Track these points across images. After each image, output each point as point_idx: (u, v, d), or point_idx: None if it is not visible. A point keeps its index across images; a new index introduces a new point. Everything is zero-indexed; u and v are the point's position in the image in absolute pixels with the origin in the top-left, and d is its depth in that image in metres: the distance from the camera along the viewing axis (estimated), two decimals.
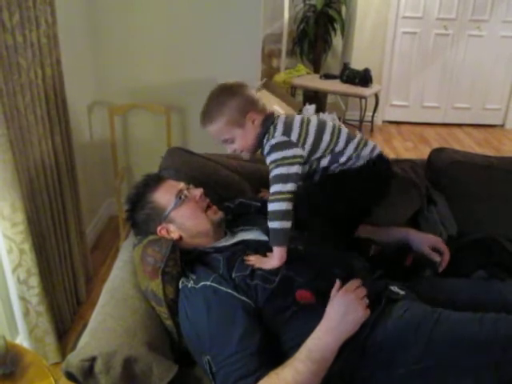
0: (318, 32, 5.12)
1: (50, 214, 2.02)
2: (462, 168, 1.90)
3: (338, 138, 1.41)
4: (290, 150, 1.35)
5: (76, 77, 2.46)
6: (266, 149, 1.38)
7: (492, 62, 5.15)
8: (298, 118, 1.42)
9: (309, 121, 1.42)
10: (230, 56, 2.84)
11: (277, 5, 4.91)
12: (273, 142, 1.37)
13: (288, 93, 4.80)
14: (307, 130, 1.39)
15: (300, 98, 5.09)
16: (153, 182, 1.46)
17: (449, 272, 1.57)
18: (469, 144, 4.89)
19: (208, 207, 1.45)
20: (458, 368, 1.11)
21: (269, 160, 1.38)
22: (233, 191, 1.76)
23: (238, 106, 1.37)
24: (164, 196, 1.42)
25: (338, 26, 5.18)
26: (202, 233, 1.41)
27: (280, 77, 4.75)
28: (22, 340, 1.92)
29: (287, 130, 1.38)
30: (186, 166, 1.78)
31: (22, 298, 1.84)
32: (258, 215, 1.58)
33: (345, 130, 1.45)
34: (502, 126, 5.42)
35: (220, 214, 1.45)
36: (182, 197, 1.41)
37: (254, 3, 2.74)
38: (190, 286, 1.27)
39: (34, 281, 1.82)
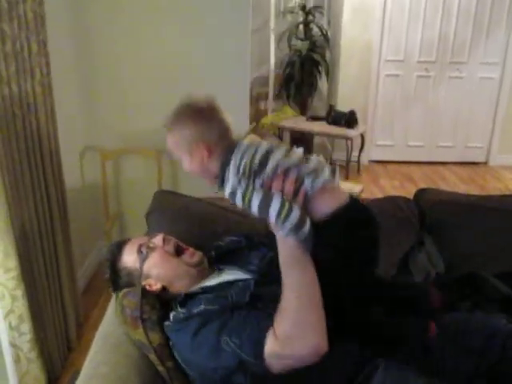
0: (303, 75, 5.26)
1: (41, 258, 2.03)
2: (446, 208, 1.94)
3: None
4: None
5: (68, 123, 2.52)
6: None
7: (472, 101, 5.32)
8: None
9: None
10: (219, 99, 2.87)
11: (263, 49, 5.07)
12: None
13: (275, 134, 4.91)
14: None
15: (287, 139, 5.18)
16: (115, 249, 1.47)
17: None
18: (454, 181, 5.00)
19: (182, 251, 1.43)
20: None
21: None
22: (221, 227, 1.76)
23: (189, 136, 1.24)
24: (130, 257, 1.42)
25: (322, 70, 5.34)
26: (181, 275, 1.39)
27: (267, 119, 4.87)
28: None
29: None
30: (172, 207, 1.85)
31: (13, 345, 1.82)
32: (248, 252, 1.56)
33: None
34: (485, 163, 5.55)
35: (197, 256, 1.43)
36: (144, 250, 1.40)
37: (242, 48, 2.84)
38: (182, 316, 1.25)
39: (26, 327, 1.81)
